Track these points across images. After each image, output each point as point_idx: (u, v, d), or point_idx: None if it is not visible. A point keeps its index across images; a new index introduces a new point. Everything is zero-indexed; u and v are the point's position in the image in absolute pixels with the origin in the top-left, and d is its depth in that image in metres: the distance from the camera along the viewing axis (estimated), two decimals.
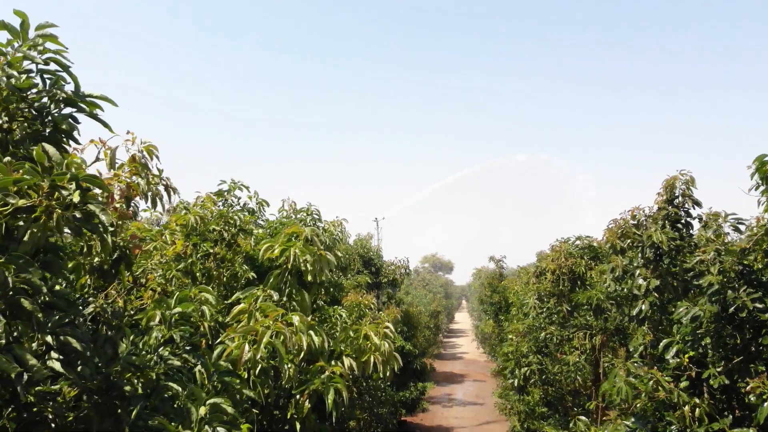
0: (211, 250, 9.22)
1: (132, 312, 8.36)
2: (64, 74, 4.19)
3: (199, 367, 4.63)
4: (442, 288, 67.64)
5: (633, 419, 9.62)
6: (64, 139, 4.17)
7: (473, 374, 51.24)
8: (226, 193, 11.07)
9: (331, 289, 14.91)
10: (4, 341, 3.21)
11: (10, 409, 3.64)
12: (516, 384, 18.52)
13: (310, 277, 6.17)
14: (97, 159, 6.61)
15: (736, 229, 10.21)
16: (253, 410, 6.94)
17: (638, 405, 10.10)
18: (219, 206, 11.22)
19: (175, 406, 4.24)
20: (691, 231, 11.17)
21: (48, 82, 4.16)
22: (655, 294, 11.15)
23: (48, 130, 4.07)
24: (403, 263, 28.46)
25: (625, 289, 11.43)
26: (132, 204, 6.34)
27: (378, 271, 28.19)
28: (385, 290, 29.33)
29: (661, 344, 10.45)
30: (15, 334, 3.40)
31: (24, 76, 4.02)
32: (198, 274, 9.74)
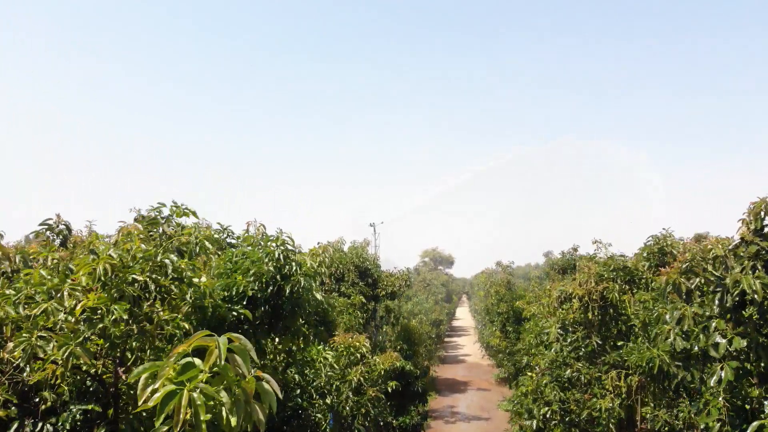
0: (125, 316, 6.41)
1: None
2: None
3: None
4: (443, 287, 64.93)
5: None
6: None
7: (477, 381, 48.60)
8: (163, 222, 8.29)
9: (314, 317, 11.96)
10: None
11: None
12: (534, 426, 15.82)
13: None
14: None
15: None
16: None
17: None
18: (158, 239, 8.44)
19: None
20: None
21: None
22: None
23: None
24: (402, 274, 25.71)
25: (696, 347, 8.66)
26: None
27: (375, 283, 25.45)
28: (383, 302, 26.61)
29: (751, 428, 7.73)
30: None
31: None
32: (117, 342, 6.99)
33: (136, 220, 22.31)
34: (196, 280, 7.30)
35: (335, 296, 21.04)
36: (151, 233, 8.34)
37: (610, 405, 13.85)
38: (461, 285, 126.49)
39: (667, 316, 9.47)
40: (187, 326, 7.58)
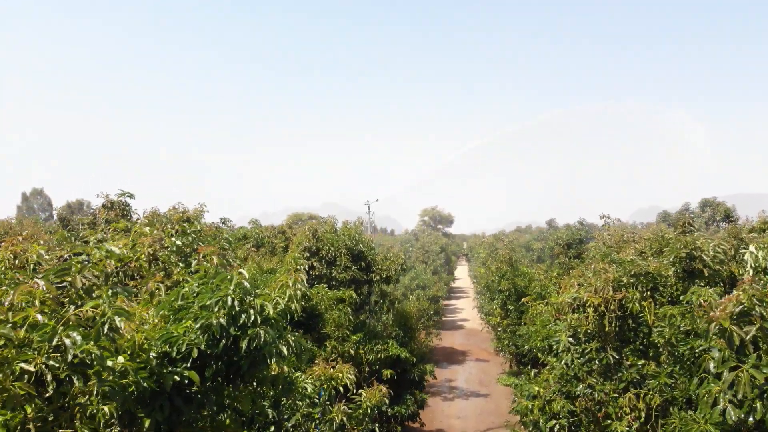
0: None
1: None
2: None
3: None
4: (442, 252, 63.42)
5: None
6: None
7: (475, 350, 47.79)
8: (78, 271, 6.43)
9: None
10: None
11: None
12: None
13: None
14: None
15: None
16: None
17: None
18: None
19: None
20: None
21: None
22: None
23: None
24: (397, 257, 24.03)
25: (751, 417, 6.99)
26: None
27: (369, 266, 23.80)
28: (377, 286, 25.05)
29: None
30: None
31: None
32: None
33: (104, 206, 20.32)
34: (110, 362, 5.52)
35: (323, 287, 19.42)
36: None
37: (627, 429, 12.37)
38: (460, 243, 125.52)
39: (711, 365, 7.77)
40: (107, 410, 5.89)
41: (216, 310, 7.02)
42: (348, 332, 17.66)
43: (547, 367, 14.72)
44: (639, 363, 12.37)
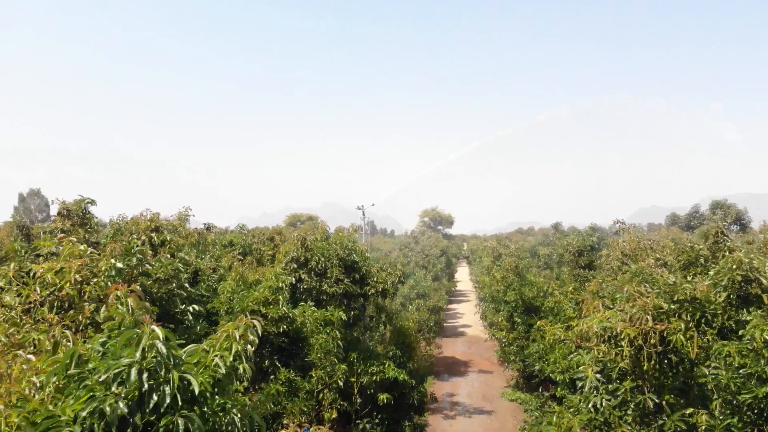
0: None
1: None
2: None
3: None
4: (443, 255, 60.95)
5: None
6: None
7: (478, 360, 45.42)
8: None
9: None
10: None
11: None
12: None
13: None
14: None
15: None
16: None
17: None
18: None
19: None
20: None
21: None
22: None
23: None
24: (394, 269, 21.74)
25: None
26: None
27: (363, 279, 21.54)
28: (372, 301, 22.78)
29: None
30: None
31: None
32: None
33: (59, 214, 18.01)
34: None
35: (310, 306, 17.16)
36: None
37: None
38: (460, 245, 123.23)
39: None
40: None
41: (114, 388, 4.77)
42: (336, 360, 15.41)
43: (571, 409, 12.46)
44: (687, 411, 10.10)
